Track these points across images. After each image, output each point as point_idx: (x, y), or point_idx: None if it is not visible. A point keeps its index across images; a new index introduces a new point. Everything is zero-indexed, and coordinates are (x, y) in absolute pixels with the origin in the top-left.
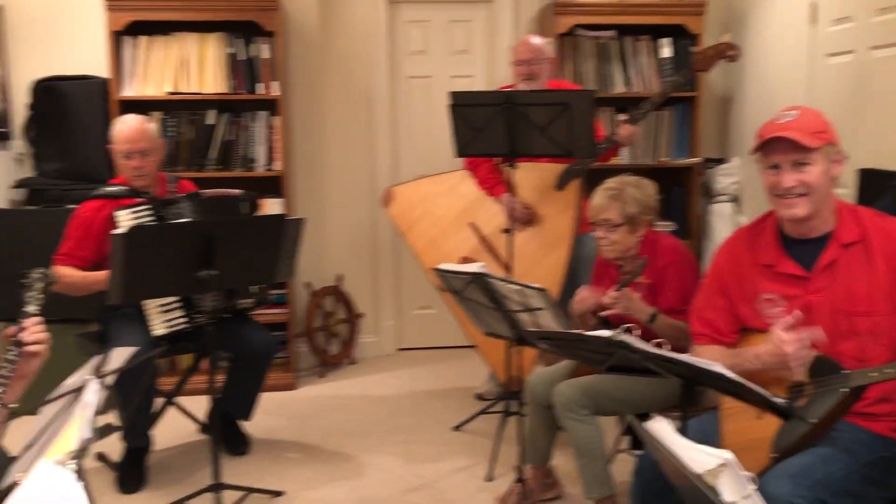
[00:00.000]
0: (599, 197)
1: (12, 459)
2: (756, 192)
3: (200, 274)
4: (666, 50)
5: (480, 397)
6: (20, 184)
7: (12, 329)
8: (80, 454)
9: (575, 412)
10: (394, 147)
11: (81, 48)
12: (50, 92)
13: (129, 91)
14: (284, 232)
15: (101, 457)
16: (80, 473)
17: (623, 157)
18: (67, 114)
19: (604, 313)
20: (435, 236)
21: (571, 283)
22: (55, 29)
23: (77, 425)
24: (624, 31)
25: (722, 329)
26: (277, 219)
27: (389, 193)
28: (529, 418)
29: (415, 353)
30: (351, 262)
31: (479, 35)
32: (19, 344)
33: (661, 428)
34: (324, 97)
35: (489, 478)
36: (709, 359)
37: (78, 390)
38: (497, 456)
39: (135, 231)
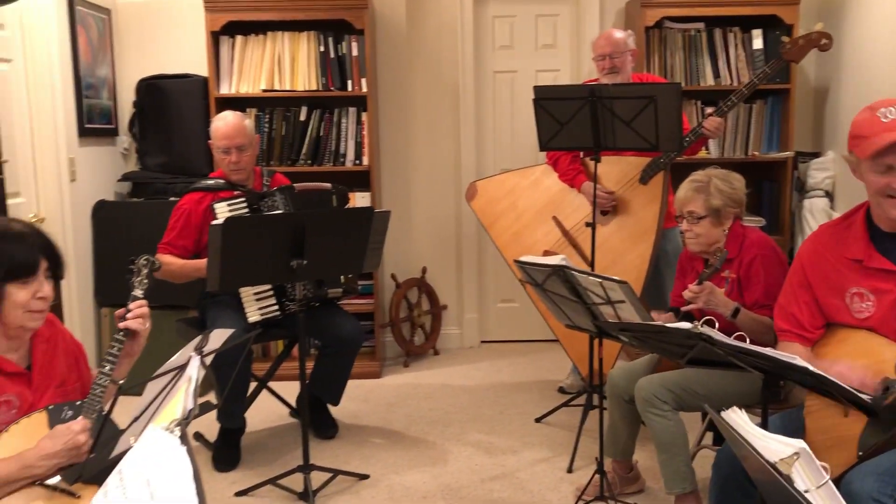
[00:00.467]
0: (684, 189)
1: (122, 431)
2: (851, 187)
3: (292, 263)
4: (758, 41)
5: (563, 391)
6: (125, 177)
7: (120, 311)
8: (183, 422)
9: (656, 407)
10: (478, 141)
11: (182, 48)
12: (153, 90)
13: (226, 89)
14: (371, 224)
15: (199, 436)
16: (184, 439)
17: (711, 151)
18: (169, 110)
19: (685, 307)
20: (518, 230)
21: (656, 277)
22: (158, 30)
23: (181, 397)
24: (713, 22)
25: (806, 324)
26: (365, 211)
27: (473, 188)
28: (610, 412)
29: (498, 345)
30: (435, 254)
31: (566, 29)
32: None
33: (738, 418)
34: (410, 93)
35: (570, 469)
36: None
37: (181, 367)
38: (578, 448)
39: (231, 222)
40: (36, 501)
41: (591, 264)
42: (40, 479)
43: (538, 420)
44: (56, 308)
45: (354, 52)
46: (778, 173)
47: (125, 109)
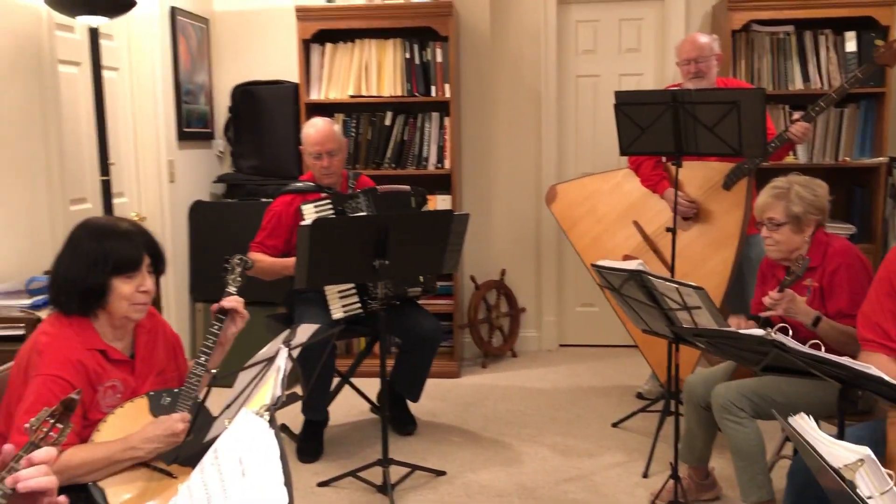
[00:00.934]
0: (764, 195)
1: (215, 417)
2: None
3: (375, 263)
4: (851, 44)
5: (641, 396)
6: (220, 179)
7: (215, 306)
8: (272, 408)
9: (733, 414)
10: (559, 145)
11: (275, 56)
12: (247, 96)
13: (316, 94)
14: (451, 226)
15: (285, 428)
16: (273, 423)
17: (800, 156)
18: (262, 115)
19: (765, 314)
20: (598, 234)
21: (740, 283)
22: (253, 39)
23: (269, 385)
24: (803, 25)
25: (892, 334)
26: (445, 214)
27: (553, 191)
28: (687, 418)
29: (576, 349)
30: (514, 257)
31: (650, 33)
32: (221, 318)
33: (805, 424)
34: (493, 98)
35: (645, 474)
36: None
37: (271, 358)
38: (654, 454)
39: (319, 223)
40: (137, 481)
41: (672, 270)
42: (141, 460)
43: (615, 425)
44: (155, 302)
45: (439, 59)
46: (870, 179)
47: (221, 114)
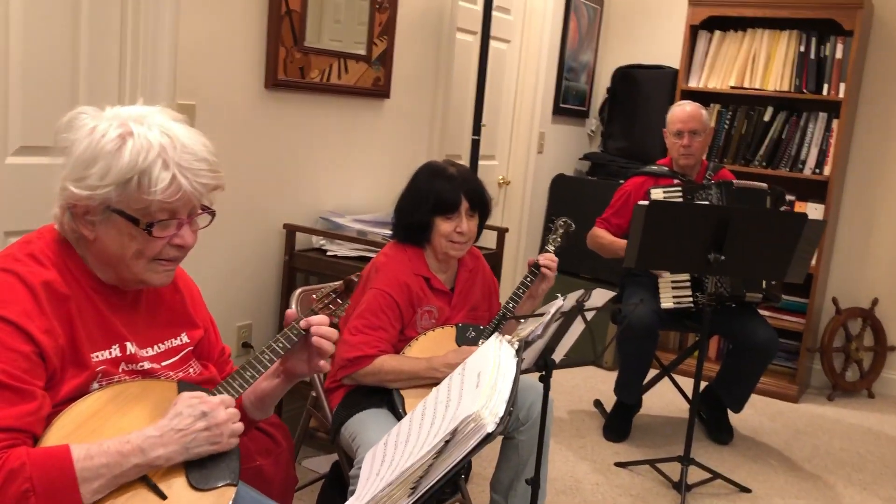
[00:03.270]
0: None
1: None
2: None
3: (709, 256)
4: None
5: None
6: (587, 157)
7: (532, 259)
8: (522, 341)
9: None
10: None
11: (661, 40)
12: (627, 78)
13: (695, 82)
14: (803, 231)
15: (598, 404)
16: (519, 352)
17: None
18: (637, 99)
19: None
20: None
21: None
22: (643, 22)
23: (530, 326)
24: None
25: None
26: (797, 216)
27: None
28: None
29: None
30: (892, 287)
31: None
32: (534, 272)
33: None
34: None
35: None
36: None
37: (563, 312)
38: None
39: (655, 205)
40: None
41: None
42: (438, 381)
43: None
44: (495, 256)
45: (838, 55)
46: None
47: (599, 95)
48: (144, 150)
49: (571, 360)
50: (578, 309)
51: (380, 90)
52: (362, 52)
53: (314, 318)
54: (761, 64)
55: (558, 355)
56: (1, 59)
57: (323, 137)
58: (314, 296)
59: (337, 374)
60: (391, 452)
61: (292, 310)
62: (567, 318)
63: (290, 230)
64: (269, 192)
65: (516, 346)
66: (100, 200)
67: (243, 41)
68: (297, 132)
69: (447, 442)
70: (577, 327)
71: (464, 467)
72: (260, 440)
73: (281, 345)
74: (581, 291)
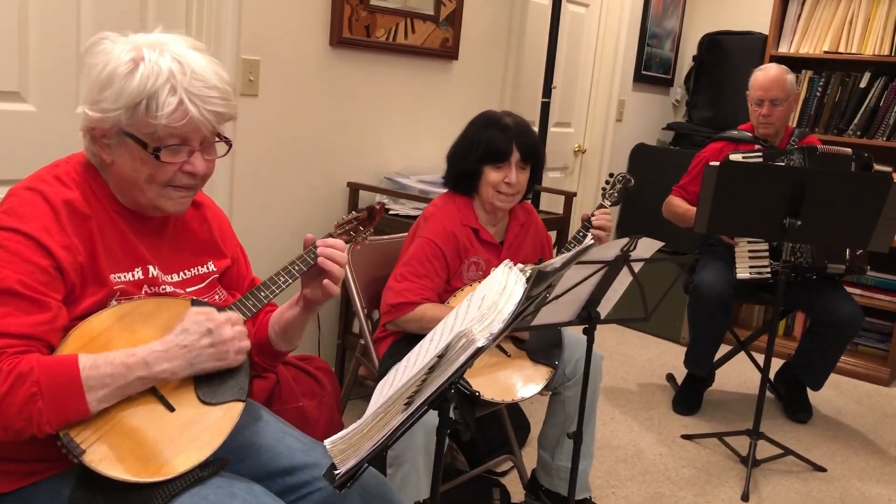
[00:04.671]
0: None
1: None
2: None
3: (784, 221)
4: None
5: None
6: (670, 126)
7: (586, 214)
8: (535, 272)
9: None
10: None
11: (750, 4)
12: (714, 45)
13: (785, 48)
14: (888, 196)
15: (670, 377)
16: (529, 279)
17: None
18: (724, 67)
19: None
20: None
21: None
22: None
23: (554, 261)
24: None
25: None
26: (882, 178)
27: None
28: None
29: None
30: None
31: None
32: (587, 226)
33: None
34: None
35: None
36: None
37: (606, 261)
38: None
39: (727, 165)
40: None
41: None
42: None
43: None
44: (562, 220)
45: None
46: None
47: (684, 63)
48: (154, 74)
49: (619, 316)
50: (623, 259)
51: (448, 51)
52: (430, 11)
53: (327, 241)
54: (859, 26)
55: (604, 309)
56: (73, 19)
57: (389, 98)
58: (336, 221)
59: (382, 320)
60: (398, 377)
61: (312, 235)
62: (611, 268)
63: (354, 188)
64: (334, 151)
65: (528, 274)
66: (112, 123)
67: None
68: (362, 91)
69: (441, 357)
70: (625, 279)
71: (522, 427)
72: (305, 382)
73: (297, 267)
74: (626, 239)
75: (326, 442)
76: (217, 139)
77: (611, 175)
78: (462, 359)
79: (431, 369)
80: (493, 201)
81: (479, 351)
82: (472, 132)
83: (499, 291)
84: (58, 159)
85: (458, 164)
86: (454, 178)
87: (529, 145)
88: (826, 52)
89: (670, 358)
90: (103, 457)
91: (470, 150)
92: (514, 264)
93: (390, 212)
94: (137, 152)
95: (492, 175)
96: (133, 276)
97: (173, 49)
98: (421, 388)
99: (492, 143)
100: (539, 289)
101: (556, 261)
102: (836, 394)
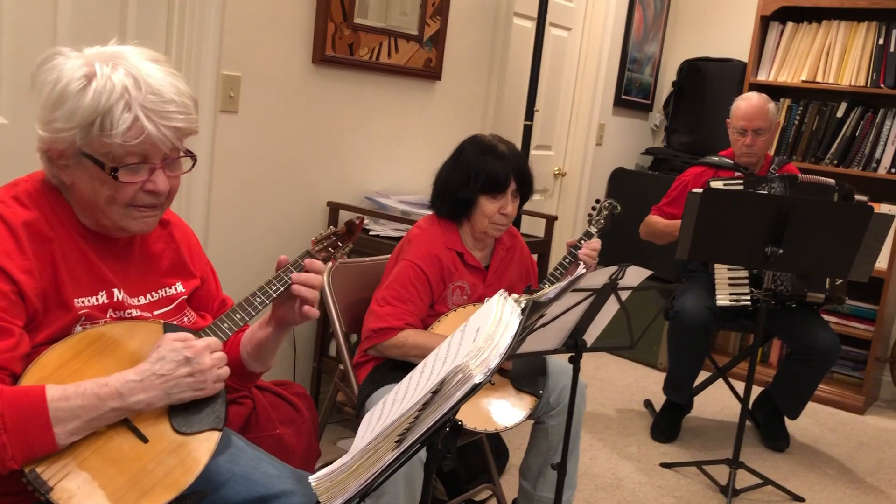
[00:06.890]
0: None
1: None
2: None
3: (766, 249)
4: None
5: None
6: (649, 151)
7: (571, 241)
8: (530, 303)
9: None
10: None
11: (730, 32)
12: (693, 72)
13: (764, 76)
14: (868, 225)
15: (647, 403)
16: (524, 312)
17: None
18: (704, 93)
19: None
20: None
21: None
22: (713, 13)
23: (549, 291)
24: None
25: None
26: (862, 208)
27: None
28: None
29: None
30: None
31: None
32: (573, 253)
33: None
34: None
35: None
36: None
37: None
38: None
39: (710, 192)
40: None
41: None
42: None
43: None
44: (543, 244)
45: None
46: None
47: (664, 88)
48: (107, 91)
49: (605, 344)
50: (611, 287)
51: (431, 71)
52: (414, 31)
53: (306, 264)
54: (836, 57)
55: (591, 337)
56: (49, 32)
57: (371, 117)
58: (314, 237)
59: (363, 345)
60: (388, 410)
61: (285, 256)
62: (599, 296)
63: (334, 207)
64: (314, 169)
65: (522, 305)
66: (67, 143)
67: (292, 14)
68: (344, 110)
69: (435, 393)
70: (612, 307)
71: (502, 454)
72: (282, 409)
73: (274, 287)
74: (614, 268)
75: (311, 479)
76: (181, 154)
77: (597, 201)
78: (458, 395)
79: (425, 405)
80: (486, 231)
81: (475, 388)
82: (468, 159)
83: (494, 323)
84: (17, 178)
85: (452, 191)
86: (448, 204)
87: (525, 175)
88: (804, 82)
89: (648, 383)
90: (72, 494)
91: (467, 178)
92: (501, 290)
93: (371, 232)
94: (96, 173)
95: (488, 206)
96: (97, 300)
97: (128, 62)
98: (414, 424)
99: (492, 173)
100: (532, 319)
101: (551, 291)
102: (813, 422)
